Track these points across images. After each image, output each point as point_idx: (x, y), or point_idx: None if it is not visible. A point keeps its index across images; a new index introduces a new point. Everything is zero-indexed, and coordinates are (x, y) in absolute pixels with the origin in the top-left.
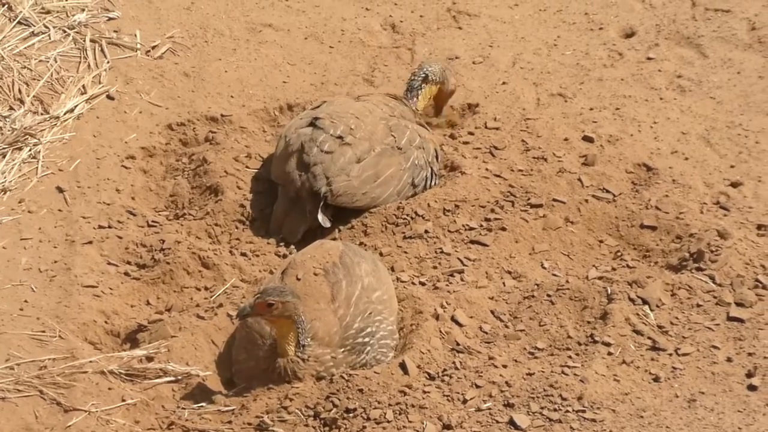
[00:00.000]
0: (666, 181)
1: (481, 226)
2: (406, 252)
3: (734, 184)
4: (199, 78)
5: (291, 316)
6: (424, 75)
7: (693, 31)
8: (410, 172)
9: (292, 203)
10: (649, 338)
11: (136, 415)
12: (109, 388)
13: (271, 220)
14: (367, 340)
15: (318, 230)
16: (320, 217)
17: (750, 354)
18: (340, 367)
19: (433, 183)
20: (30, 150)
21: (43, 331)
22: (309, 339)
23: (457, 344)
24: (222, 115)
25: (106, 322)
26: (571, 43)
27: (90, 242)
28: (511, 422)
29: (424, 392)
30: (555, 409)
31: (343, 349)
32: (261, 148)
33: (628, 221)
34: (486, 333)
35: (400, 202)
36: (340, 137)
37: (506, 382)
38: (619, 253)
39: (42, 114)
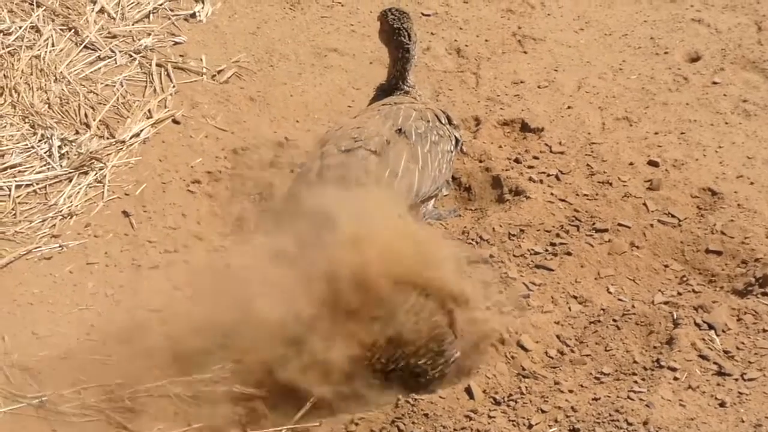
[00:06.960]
0: (731, 205)
1: (546, 250)
2: (470, 276)
3: None
4: (264, 102)
5: None
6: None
7: (759, 55)
8: (420, 144)
9: None
10: (715, 363)
11: None
12: (175, 413)
13: None
14: None
15: None
16: None
17: None
18: None
19: (453, 143)
20: (96, 174)
21: (110, 356)
22: None
23: (523, 369)
24: (287, 139)
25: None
26: (637, 67)
27: (156, 267)
28: None
29: (490, 417)
30: None
31: None
32: None
33: (693, 246)
34: (552, 358)
35: (465, 227)
36: (348, 150)
37: (572, 407)
38: (684, 278)
39: (108, 138)
